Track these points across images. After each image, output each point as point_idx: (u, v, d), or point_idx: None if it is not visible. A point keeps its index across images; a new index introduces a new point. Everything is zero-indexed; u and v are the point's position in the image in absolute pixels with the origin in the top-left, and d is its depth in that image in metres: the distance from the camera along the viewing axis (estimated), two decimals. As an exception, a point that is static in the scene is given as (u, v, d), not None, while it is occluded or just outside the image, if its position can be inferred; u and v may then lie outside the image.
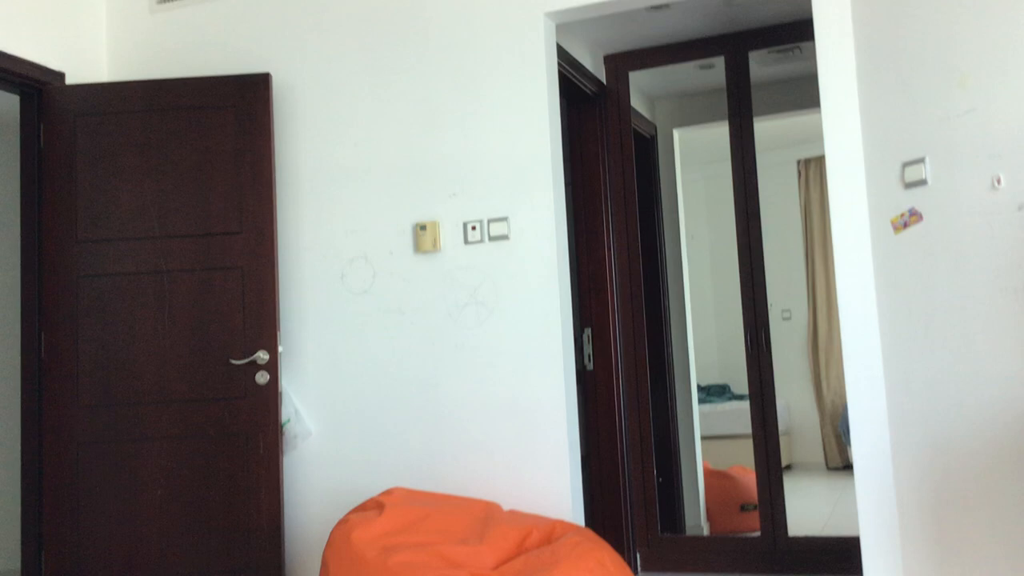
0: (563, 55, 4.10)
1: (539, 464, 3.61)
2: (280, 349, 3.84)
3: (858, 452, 3.26)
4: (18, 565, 5.22)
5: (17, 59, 3.86)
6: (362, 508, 3.28)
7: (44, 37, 4.02)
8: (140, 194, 3.88)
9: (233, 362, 3.79)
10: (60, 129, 3.92)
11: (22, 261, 3.94)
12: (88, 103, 3.93)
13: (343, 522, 3.14)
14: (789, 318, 6.68)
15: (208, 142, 3.89)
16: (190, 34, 4.25)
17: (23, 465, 3.87)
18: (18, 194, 5.38)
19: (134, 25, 4.34)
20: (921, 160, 3.10)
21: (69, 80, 4.11)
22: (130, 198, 3.88)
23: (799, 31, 4.35)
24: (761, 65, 4.80)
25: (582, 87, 4.43)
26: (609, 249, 4.52)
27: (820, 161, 6.66)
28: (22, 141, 3.99)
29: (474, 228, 3.76)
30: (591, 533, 3.31)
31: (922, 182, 3.10)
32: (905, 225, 3.16)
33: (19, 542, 5.11)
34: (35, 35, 3.98)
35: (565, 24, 4.04)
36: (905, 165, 3.16)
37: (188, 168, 3.88)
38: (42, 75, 3.97)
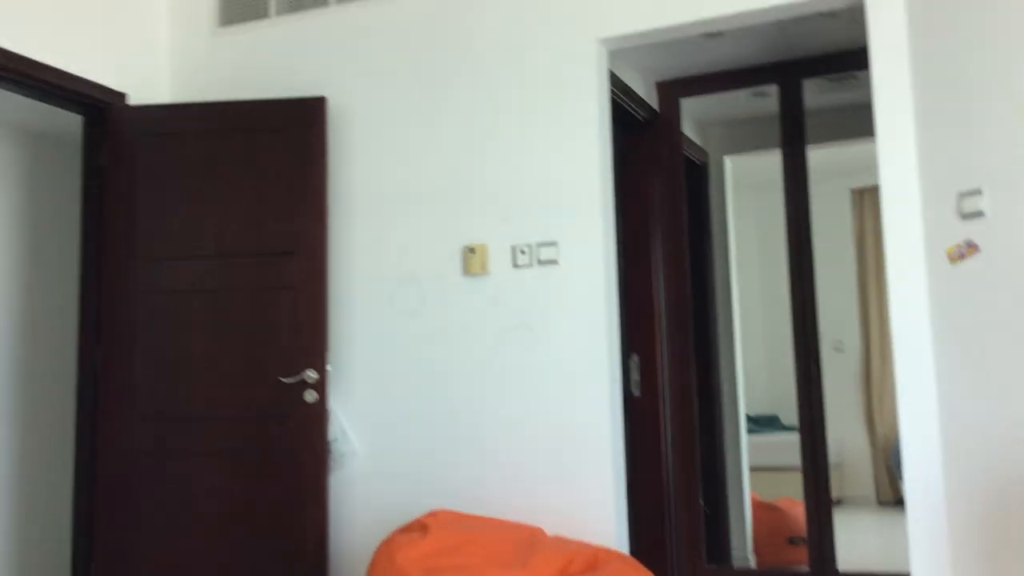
0: (615, 81, 4.11)
1: (584, 490, 3.59)
2: (329, 368, 3.87)
3: (910, 488, 3.19)
4: (68, 576, 5.30)
5: (82, 79, 3.97)
6: (407, 529, 3.28)
7: (108, 58, 4.13)
8: (197, 213, 3.95)
9: (283, 380, 3.82)
10: (121, 148, 4.02)
11: (81, 276, 4.03)
12: (149, 124, 4.02)
13: (387, 542, 3.15)
14: (841, 349, 6.58)
15: (264, 163, 3.95)
16: (250, 57, 4.33)
17: (75, 477, 3.94)
18: (79, 211, 5.51)
19: (196, 47, 4.44)
20: (978, 191, 3.05)
21: (131, 100, 4.21)
22: (187, 217, 3.95)
23: (854, 59, 4.31)
24: (815, 93, 4.77)
25: (634, 113, 4.43)
26: (658, 275, 4.50)
27: (874, 191, 6.58)
28: (84, 159, 4.09)
29: (523, 252, 3.77)
30: (635, 562, 3.28)
31: (979, 213, 3.05)
32: (962, 256, 3.11)
33: (70, 555, 5.19)
34: (99, 56, 4.09)
35: (618, 50, 4.06)
36: (962, 195, 3.11)
37: (244, 189, 3.95)
38: (105, 96, 4.07)
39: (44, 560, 5.24)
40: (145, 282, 3.93)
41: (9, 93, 4.54)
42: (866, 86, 4.61)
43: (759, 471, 5.42)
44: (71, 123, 5.21)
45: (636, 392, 4.45)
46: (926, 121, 3.25)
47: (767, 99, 4.85)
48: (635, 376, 4.46)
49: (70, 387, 5.38)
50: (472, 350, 3.81)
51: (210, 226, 3.94)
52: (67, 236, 5.54)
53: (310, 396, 3.79)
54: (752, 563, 4.92)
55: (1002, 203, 2.99)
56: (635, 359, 4.47)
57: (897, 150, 3.31)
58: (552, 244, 3.73)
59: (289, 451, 3.79)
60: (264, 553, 3.75)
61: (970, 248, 3.08)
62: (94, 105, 4.06)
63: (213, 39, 4.41)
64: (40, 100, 3.96)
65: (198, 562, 3.77)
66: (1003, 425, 2.96)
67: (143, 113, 4.04)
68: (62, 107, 4.03)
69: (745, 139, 5.24)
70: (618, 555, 3.32)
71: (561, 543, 3.35)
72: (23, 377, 5.23)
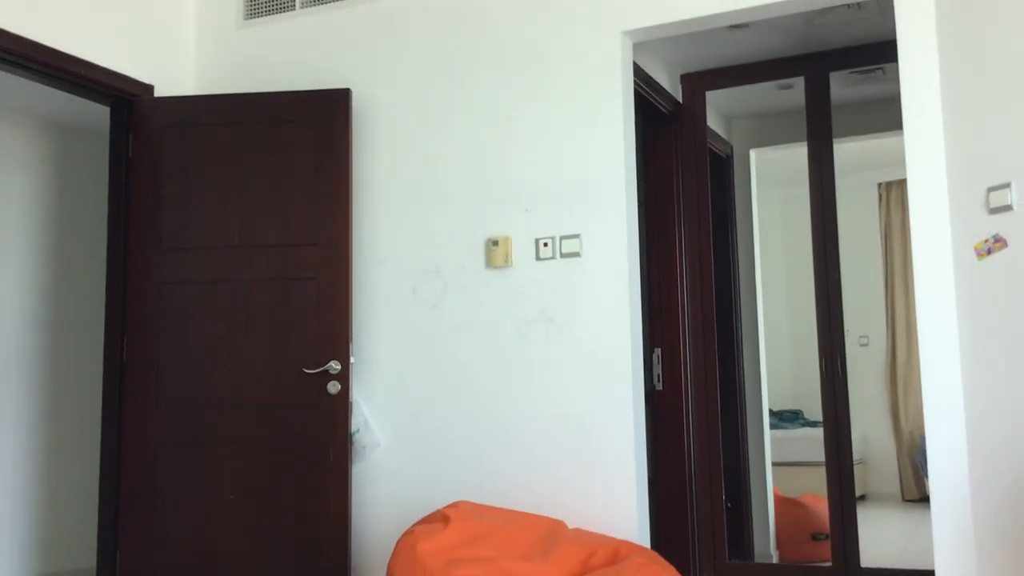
0: (639, 73, 4.09)
1: (605, 483, 3.59)
2: (352, 360, 3.89)
3: (935, 485, 3.16)
4: (94, 563, 5.37)
5: (109, 71, 4.00)
6: (428, 520, 3.29)
7: (135, 51, 4.16)
8: (222, 204, 3.98)
9: (306, 371, 3.85)
10: (148, 140, 4.05)
11: (108, 267, 4.07)
12: (175, 115, 4.05)
13: (409, 533, 3.16)
14: (866, 344, 6.54)
15: (289, 155, 3.97)
16: (275, 49, 4.35)
17: (101, 465, 3.98)
18: (107, 201, 5.55)
19: (222, 40, 4.46)
20: (1007, 185, 3.02)
21: (158, 92, 4.24)
22: (213, 208, 3.98)
23: (882, 52, 4.27)
24: (842, 86, 4.72)
25: (658, 106, 4.42)
26: (681, 269, 4.48)
27: (901, 184, 6.52)
28: (111, 151, 4.12)
29: (546, 245, 3.77)
30: (657, 556, 3.28)
31: (1007, 208, 3.01)
32: (989, 252, 3.07)
33: (95, 540, 5.25)
34: (127, 48, 4.12)
35: (642, 43, 4.04)
36: (990, 190, 3.07)
37: (269, 180, 3.97)
38: (132, 87, 4.10)
39: (70, 545, 5.30)
40: (170, 272, 3.96)
41: (38, 84, 4.59)
42: (893, 79, 4.57)
43: (782, 466, 5.40)
44: (99, 115, 5.26)
45: (658, 386, 4.44)
46: (955, 114, 3.21)
47: (793, 92, 4.81)
48: (658, 370, 4.45)
49: (97, 375, 5.44)
50: (494, 342, 3.81)
51: (235, 217, 3.96)
52: (94, 226, 5.60)
53: (333, 387, 3.81)
54: (775, 558, 4.90)
55: (1031, 197, 2.95)
56: (658, 353, 4.46)
57: (925, 144, 3.27)
58: (575, 237, 3.73)
59: (312, 441, 3.81)
60: (286, 542, 3.78)
61: (998, 243, 3.04)
62: (121, 97, 4.09)
63: (239, 32, 4.44)
64: (68, 92, 4.00)
65: (221, 549, 3.80)
66: (1030, 422, 2.93)
67: (169, 105, 4.07)
68: (90, 99, 4.07)
69: (770, 132, 5.20)
70: (640, 549, 3.31)
71: (582, 536, 3.35)
72: (50, 366, 5.30)
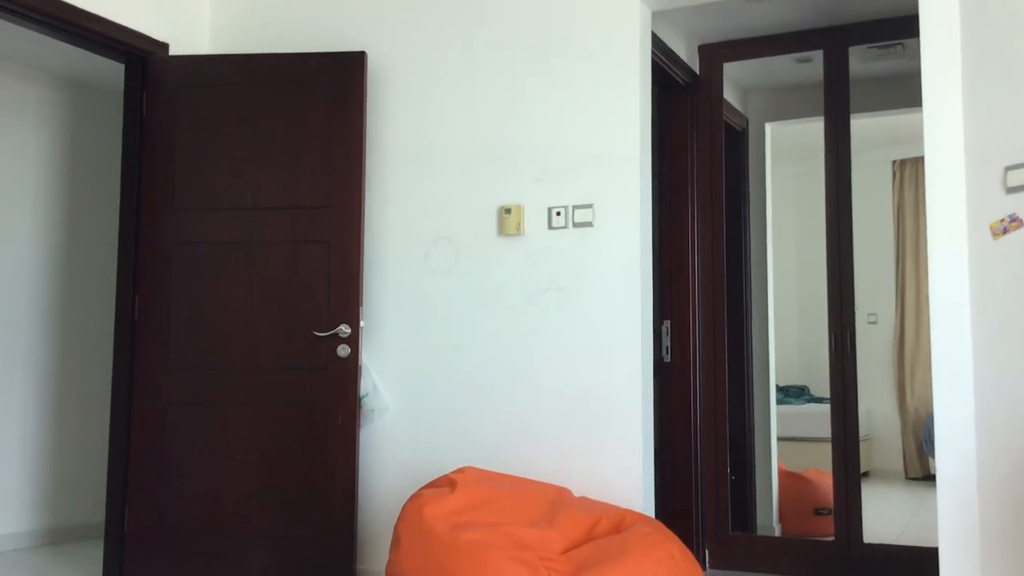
0: (657, 43, 4.06)
1: (612, 453, 3.60)
2: (362, 324, 3.90)
3: (942, 462, 3.17)
4: (102, 519, 5.42)
5: (125, 28, 3.98)
6: (435, 484, 3.32)
7: (151, 8, 4.14)
8: (235, 165, 3.97)
9: (316, 334, 3.86)
10: (162, 98, 4.04)
11: (120, 226, 4.08)
12: (190, 74, 4.03)
13: (416, 496, 3.18)
14: (875, 322, 6.53)
15: (303, 117, 3.96)
16: (290, 10, 4.32)
17: (111, 423, 4.01)
18: (120, 160, 5.55)
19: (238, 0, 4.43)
20: (1026, 164, 3.00)
21: (172, 51, 4.22)
22: (226, 169, 3.97)
23: (903, 27, 4.22)
24: (860, 61, 4.68)
25: (674, 76, 4.38)
26: (693, 241, 4.47)
27: (916, 162, 6.47)
28: (125, 109, 4.11)
29: (559, 213, 3.76)
30: (661, 525, 3.30)
31: (1026, 187, 2.99)
32: (1005, 231, 3.06)
33: (104, 497, 5.30)
34: (142, 5, 4.09)
35: (660, 12, 4.00)
36: (1008, 169, 3.05)
37: (282, 141, 3.96)
38: (147, 45, 4.09)
39: (79, 502, 5.36)
40: (183, 233, 3.97)
41: (53, 40, 4.57)
42: (913, 55, 4.52)
43: (787, 441, 5.41)
44: (113, 72, 5.24)
45: (667, 357, 4.45)
46: (974, 92, 3.19)
47: (811, 66, 4.77)
48: (666, 341, 4.45)
49: (108, 333, 5.46)
50: (505, 311, 3.82)
51: (248, 178, 3.96)
52: (107, 185, 5.59)
53: (343, 351, 3.83)
54: (777, 532, 4.93)
55: (1049, 177, 2.93)
56: (667, 324, 4.46)
57: (943, 121, 3.25)
58: (588, 206, 3.72)
59: (321, 404, 3.83)
60: (294, 504, 3.81)
61: (1014, 222, 3.03)
62: (136, 54, 4.08)
63: (254, -9, 4.40)
64: (83, 48, 3.98)
65: (229, 507, 3.83)
66: (1039, 402, 2.93)
67: (184, 63, 4.05)
68: (105, 55, 4.06)
69: (787, 106, 5.16)
70: (644, 518, 3.34)
71: (588, 504, 3.37)
72: (62, 323, 5.32)
